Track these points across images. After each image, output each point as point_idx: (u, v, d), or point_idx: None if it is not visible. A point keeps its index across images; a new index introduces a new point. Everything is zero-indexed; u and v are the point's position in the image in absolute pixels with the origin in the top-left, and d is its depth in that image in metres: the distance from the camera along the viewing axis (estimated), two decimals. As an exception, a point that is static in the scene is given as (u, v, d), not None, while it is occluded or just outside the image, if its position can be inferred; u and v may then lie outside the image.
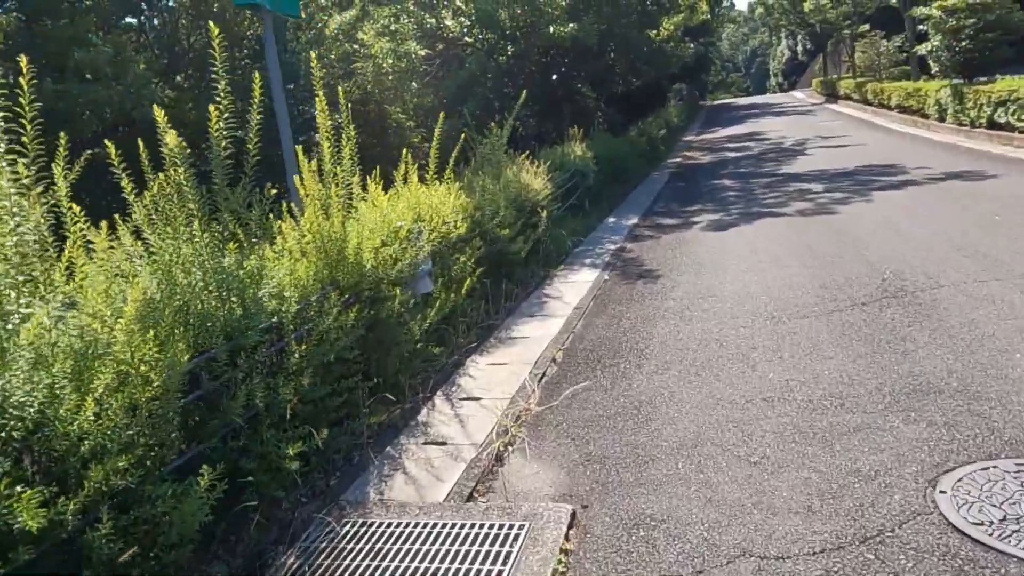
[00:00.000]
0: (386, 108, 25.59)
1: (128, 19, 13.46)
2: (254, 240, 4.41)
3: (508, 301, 7.40)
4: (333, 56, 15.57)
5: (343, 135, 5.47)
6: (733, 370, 4.96)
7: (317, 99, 5.05)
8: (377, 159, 25.16)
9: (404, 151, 7.29)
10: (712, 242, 9.28)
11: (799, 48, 73.19)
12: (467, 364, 5.73)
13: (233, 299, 3.78)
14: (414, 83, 16.57)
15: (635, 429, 4.24)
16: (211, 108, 3.88)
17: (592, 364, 5.46)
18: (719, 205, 12.21)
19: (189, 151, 3.80)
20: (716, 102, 61.12)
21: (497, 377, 5.39)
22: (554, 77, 19.99)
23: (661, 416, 4.38)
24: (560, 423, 4.48)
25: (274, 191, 4.43)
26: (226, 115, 3.91)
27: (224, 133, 3.95)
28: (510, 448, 4.21)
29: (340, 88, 15.98)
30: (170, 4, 13.99)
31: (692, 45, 23.71)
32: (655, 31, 20.83)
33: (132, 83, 11.54)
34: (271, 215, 4.62)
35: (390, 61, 14.86)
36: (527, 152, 10.70)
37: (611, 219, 12.24)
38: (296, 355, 3.84)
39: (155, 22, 14.03)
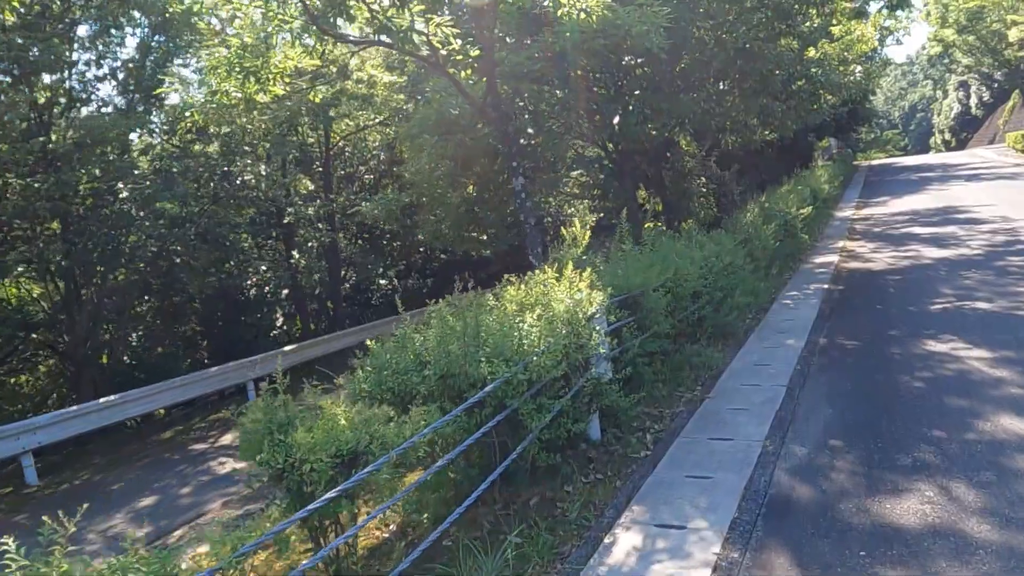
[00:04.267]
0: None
1: None
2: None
3: None
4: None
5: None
6: None
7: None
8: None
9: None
10: None
11: (972, 100, 61.97)
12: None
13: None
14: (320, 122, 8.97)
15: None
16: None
17: None
18: (1005, 518, 3.57)
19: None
20: (872, 162, 50.04)
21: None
22: (615, 120, 11.85)
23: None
24: None
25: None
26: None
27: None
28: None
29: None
30: None
31: (858, 68, 14.80)
32: (792, 47, 12.31)
33: None
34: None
35: (233, 83, 7.23)
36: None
37: (607, 562, 3.71)
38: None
39: None
